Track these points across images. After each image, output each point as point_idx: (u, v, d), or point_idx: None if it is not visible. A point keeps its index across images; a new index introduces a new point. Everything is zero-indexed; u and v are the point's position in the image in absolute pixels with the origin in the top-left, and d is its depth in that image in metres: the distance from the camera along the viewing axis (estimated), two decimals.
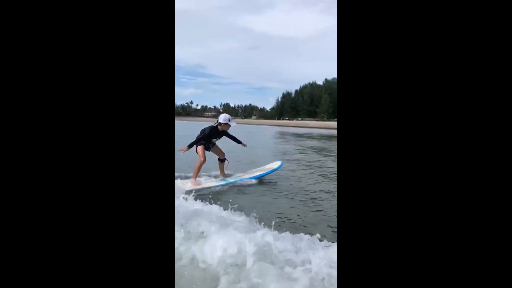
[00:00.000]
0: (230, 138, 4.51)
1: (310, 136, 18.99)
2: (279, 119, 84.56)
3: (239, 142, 4.56)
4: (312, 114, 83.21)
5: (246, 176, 4.31)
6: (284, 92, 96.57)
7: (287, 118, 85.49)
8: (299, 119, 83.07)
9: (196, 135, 4.19)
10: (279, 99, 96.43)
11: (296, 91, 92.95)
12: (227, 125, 4.33)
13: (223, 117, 4.33)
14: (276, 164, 4.70)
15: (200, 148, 4.13)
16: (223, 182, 4.04)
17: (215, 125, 4.31)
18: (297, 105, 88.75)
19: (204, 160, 4.08)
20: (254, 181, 4.18)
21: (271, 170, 4.51)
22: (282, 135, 19.32)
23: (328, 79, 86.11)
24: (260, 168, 4.75)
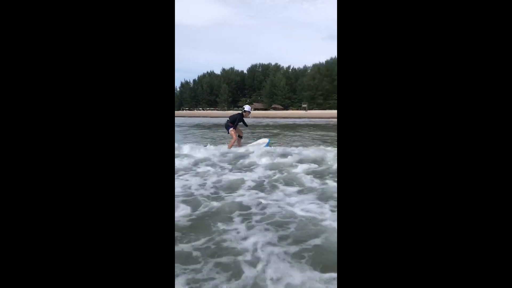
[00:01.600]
0: (243, 122, 6.41)
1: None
2: (179, 109, 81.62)
3: (246, 125, 6.58)
4: (212, 104, 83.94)
5: (260, 146, 6.27)
6: (183, 81, 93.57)
7: (187, 108, 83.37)
8: (200, 108, 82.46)
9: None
10: (178, 89, 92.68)
11: (194, 80, 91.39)
12: (249, 113, 6.42)
13: (247, 107, 6.57)
14: (265, 141, 6.71)
15: (232, 130, 6.21)
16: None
17: (242, 112, 6.34)
18: (196, 94, 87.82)
19: (236, 139, 6.21)
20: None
21: (266, 144, 6.48)
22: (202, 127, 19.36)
23: (225, 68, 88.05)
24: (256, 142, 6.73)
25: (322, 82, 68.97)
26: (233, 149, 5.94)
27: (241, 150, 5.74)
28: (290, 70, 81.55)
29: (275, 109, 71.82)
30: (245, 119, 6.45)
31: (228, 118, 6.38)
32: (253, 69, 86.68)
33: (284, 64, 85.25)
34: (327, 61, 72.73)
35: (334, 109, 64.19)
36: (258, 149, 5.48)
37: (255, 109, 74.81)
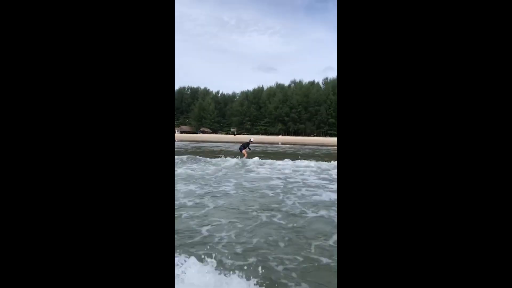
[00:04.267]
0: (249, 147, 12.98)
1: None
2: None
3: (250, 149, 13.14)
4: None
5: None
6: None
7: None
8: None
9: None
10: None
11: None
12: (252, 142, 13.78)
13: (253, 139, 14.85)
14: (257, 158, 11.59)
15: (244, 150, 12.64)
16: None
17: (249, 142, 13.13)
18: None
19: (246, 155, 12.39)
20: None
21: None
22: None
23: None
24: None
25: (250, 109, 71.79)
26: (245, 158, 11.67)
27: (249, 159, 11.42)
28: (219, 95, 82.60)
29: (203, 132, 70.60)
30: (251, 145, 13.25)
31: (241, 144, 12.94)
32: (181, 91, 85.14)
33: (213, 89, 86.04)
34: (254, 89, 76.49)
35: (262, 134, 66.89)
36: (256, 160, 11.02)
37: (181, 132, 72.31)
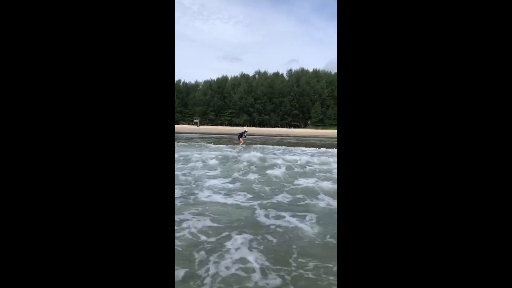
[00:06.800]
0: (244, 136, 16.16)
1: None
2: None
3: (245, 137, 16.49)
4: None
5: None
6: None
7: None
8: None
9: None
10: None
11: None
12: (246, 132, 16.96)
13: (247, 129, 18.04)
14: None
15: (240, 138, 15.77)
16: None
17: (244, 132, 16.27)
18: None
19: (243, 142, 15.54)
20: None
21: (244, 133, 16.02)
22: None
23: None
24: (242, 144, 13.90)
25: (214, 98, 69.63)
26: (242, 145, 14.18)
27: (244, 144, 14.34)
28: (181, 83, 78.66)
29: None
30: (245, 135, 16.01)
31: (238, 134, 15.87)
32: None
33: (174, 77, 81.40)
34: (218, 79, 74.20)
35: (225, 125, 65.36)
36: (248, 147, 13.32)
37: None
